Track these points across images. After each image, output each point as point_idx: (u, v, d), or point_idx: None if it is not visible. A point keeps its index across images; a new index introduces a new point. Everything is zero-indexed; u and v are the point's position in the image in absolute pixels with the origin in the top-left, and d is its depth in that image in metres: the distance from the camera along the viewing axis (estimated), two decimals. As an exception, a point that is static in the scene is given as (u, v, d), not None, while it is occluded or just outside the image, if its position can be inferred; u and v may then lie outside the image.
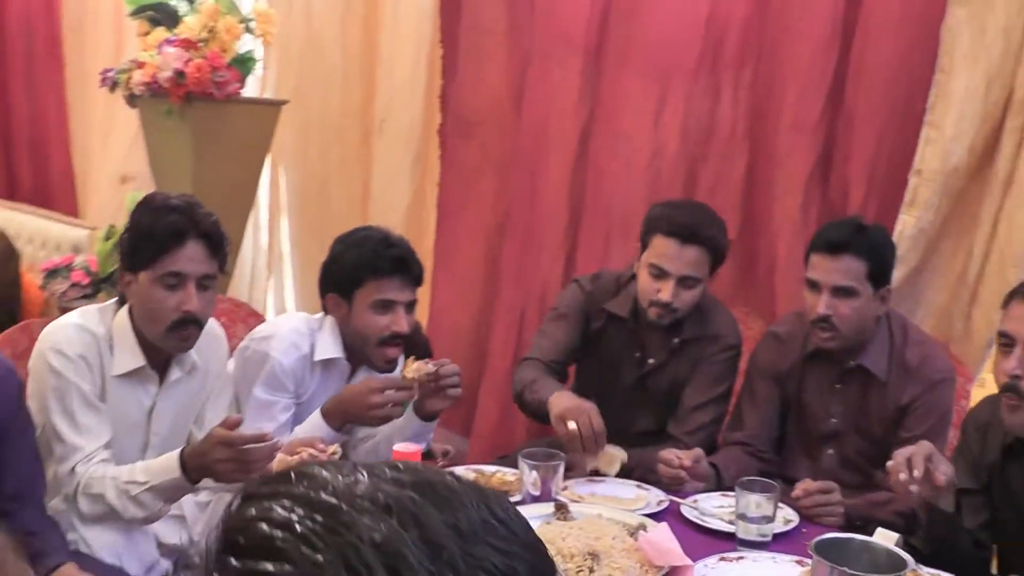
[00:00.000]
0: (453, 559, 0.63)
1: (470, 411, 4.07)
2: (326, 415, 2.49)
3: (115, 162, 5.36)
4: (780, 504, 2.36)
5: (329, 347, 2.60)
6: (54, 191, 5.76)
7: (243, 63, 4.17)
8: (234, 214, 4.39)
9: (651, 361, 2.90)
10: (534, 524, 2.04)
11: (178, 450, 2.21)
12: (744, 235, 3.60)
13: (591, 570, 1.96)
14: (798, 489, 2.39)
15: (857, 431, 2.71)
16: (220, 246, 2.34)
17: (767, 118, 3.57)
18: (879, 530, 1.96)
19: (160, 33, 4.11)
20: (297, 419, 2.59)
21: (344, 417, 2.49)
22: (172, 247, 2.25)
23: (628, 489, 2.50)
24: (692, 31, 3.61)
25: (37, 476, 2.21)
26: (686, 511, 2.34)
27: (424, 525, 0.64)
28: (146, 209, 2.33)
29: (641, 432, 2.91)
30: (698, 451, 2.55)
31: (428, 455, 3.04)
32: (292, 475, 0.67)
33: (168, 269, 2.25)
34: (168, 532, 2.47)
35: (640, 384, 2.92)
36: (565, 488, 2.46)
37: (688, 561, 2.00)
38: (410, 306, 2.58)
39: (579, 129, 3.85)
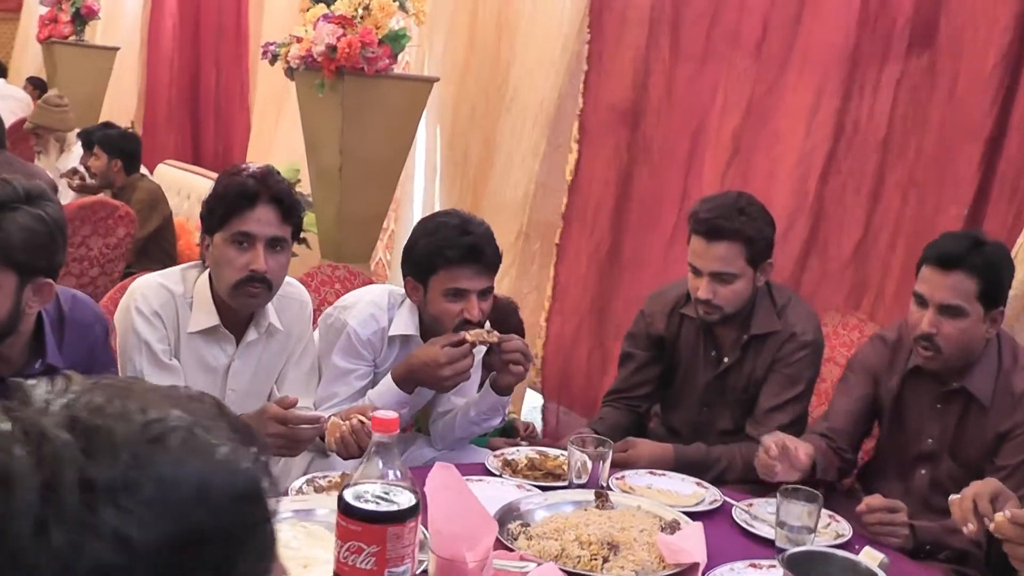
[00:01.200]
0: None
1: (593, 394, 4.06)
2: (397, 380, 2.54)
3: (287, 133, 5.61)
4: (837, 517, 2.25)
5: (405, 324, 2.65)
6: (234, 157, 6.09)
7: (395, 40, 4.26)
8: (381, 186, 4.53)
9: (725, 360, 2.84)
10: (569, 509, 2.09)
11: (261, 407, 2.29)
12: (896, 241, 3.42)
13: (605, 559, 1.93)
14: (863, 504, 2.26)
15: (952, 455, 2.54)
16: (292, 211, 2.42)
17: (929, 122, 3.35)
18: (866, 548, 1.83)
19: (319, 9, 4.26)
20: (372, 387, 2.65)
21: (415, 382, 2.54)
22: (244, 208, 2.35)
23: (687, 485, 2.43)
24: (853, 31, 3.46)
25: None
26: (736, 514, 2.25)
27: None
28: (225, 175, 2.46)
29: (720, 432, 2.85)
30: (808, 445, 2.44)
31: (509, 429, 3.06)
32: None
33: (238, 229, 2.35)
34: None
35: (717, 383, 2.86)
36: (622, 478, 2.43)
37: (697, 560, 1.93)
38: (484, 293, 2.58)
39: (733, 126, 3.77)
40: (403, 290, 2.70)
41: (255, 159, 5.95)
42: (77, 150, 5.45)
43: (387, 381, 2.56)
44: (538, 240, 4.55)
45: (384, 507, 1.50)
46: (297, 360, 2.63)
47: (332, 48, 4.10)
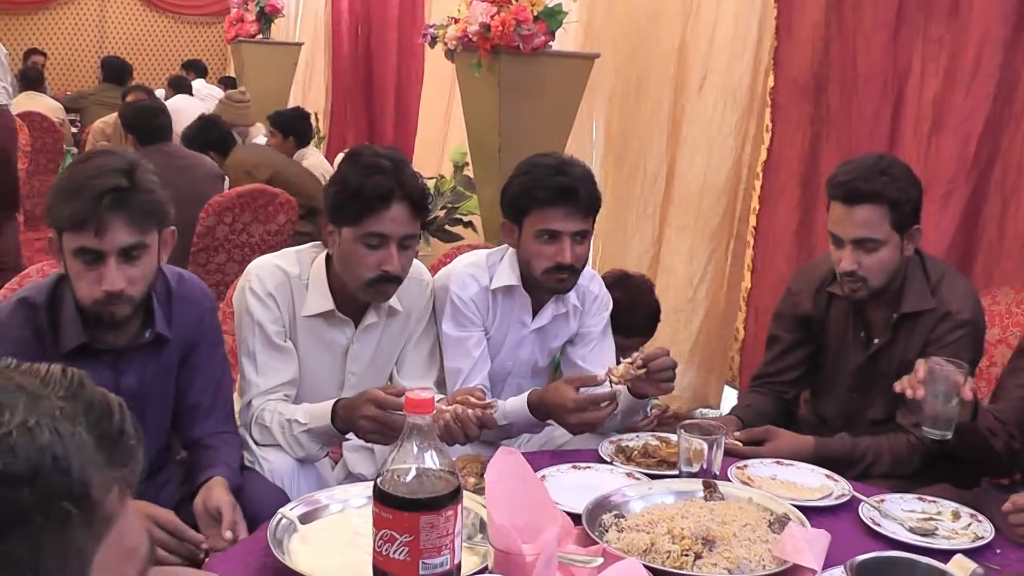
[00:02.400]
0: None
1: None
2: (532, 408, 2.43)
3: (459, 116, 5.62)
4: (979, 517, 2.02)
5: (506, 275, 2.58)
6: (410, 144, 6.16)
7: (551, 16, 4.17)
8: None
9: (876, 341, 2.59)
10: (673, 499, 1.94)
11: (334, 400, 2.28)
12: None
13: (697, 556, 1.77)
14: (1009, 502, 2.01)
15: None
16: (423, 207, 2.37)
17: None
18: (957, 556, 1.59)
19: (475, -11, 4.22)
20: (489, 351, 2.60)
21: (546, 416, 2.43)
22: (378, 209, 2.29)
23: (815, 476, 2.23)
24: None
25: (219, 392, 2.36)
26: (863, 510, 2.04)
27: None
28: (354, 166, 2.36)
29: (872, 421, 2.61)
30: None
31: None
32: None
33: (372, 229, 2.30)
34: (358, 462, 2.55)
35: (869, 367, 2.62)
36: (744, 467, 2.25)
37: (814, 566, 1.74)
38: (580, 235, 2.48)
39: (931, 94, 3.50)
40: (502, 247, 2.64)
41: (428, 144, 6.00)
42: (260, 143, 5.67)
43: (520, 401, 2.45)
44: (735, 221, 4.42)
45: (417, 494, 1.41)
46: (417, 342, 2.59)
47: (486, 27, 4.06)
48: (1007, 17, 3.18)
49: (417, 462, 1.43)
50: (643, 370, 2.32)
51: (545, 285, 2.54)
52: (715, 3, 4.36)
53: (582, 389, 2.35)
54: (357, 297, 2.42)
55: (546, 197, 2.44)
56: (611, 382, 2.34)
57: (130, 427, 0.79)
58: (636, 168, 4.66)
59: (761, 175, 4.25)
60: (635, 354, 2.36)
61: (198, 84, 8.69)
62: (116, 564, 0.72)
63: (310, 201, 4.78)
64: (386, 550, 1.43)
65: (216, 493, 2.09)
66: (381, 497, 1.43)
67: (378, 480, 1.44)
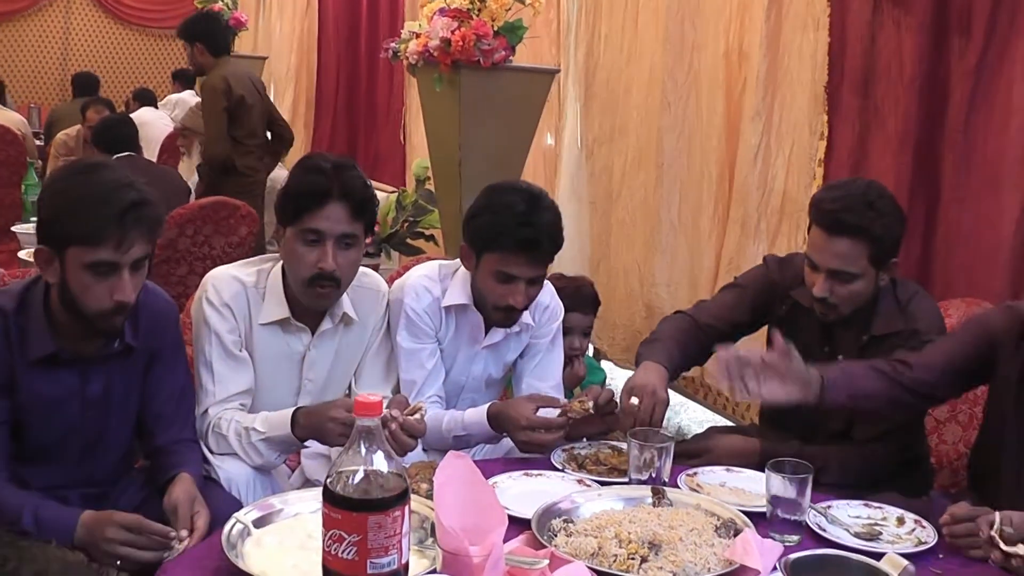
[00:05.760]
0: None
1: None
2: (490, 420, 2.48)
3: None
4: (923, 523, 2.07)
5: (457, 294, 2.61)
6: (382, 159, 6.19)
7: (511, 31, 4.21)
8: (502, 178, 4.48)
9: (840, 358, 2.57)
10: (622, 505, 1.98)
11: (292, 408, 2.32)
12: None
13: (643, 559, 1.81)
14: (947, 514, 2.05)
15: None
16: (363, 208, 2.40)
17: None
18: (889, 554, 1.64)
19: (438, 4, 4.25)
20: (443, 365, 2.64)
21: (502, 428, 2.48)
22: (314, 207, 2.34)
23: (762, 484, 2.28)
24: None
25: (182, 402, 2.38)
26: (811, 516, 2.08)
27: None
28: (299, 168, 2.47)
29: (831, 434, 2.60)
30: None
31: None
32: None
33: (308, 226, 2.35)
34: (316, 469, 2.57)
35: None
36: (694, 475, 2.30)
37: (758, 567, 1.78)
38: (534, 281, 2.52)
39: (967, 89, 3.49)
40: (454, 262, 2.67)
41: (408, 158, 6.04)
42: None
43: (480, 412, 2.51)
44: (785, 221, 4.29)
45: (365, 495, 1.44)
46: (375, 351, 2.62)
47: (447, 41, 4.09)
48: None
49: (365, 464, 1.46)
50: (590, 409, 2.40)
51: (492, 318, 2.59)
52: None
53: (541, 410, 2.40)
54: (305, 304, 2.46)
55: (509, 245, 2.45)
56: (565, 414, 2.41)
57: None
58: (701, 174, 4.66)
59: (820, 175, 4.14)
60: (584, 396, 2.44)
61: (187, 95, 8.63)
62: None
63: None
64: (335, 550, 1.45)
65: (185, 486, 2.13)
66: (330, 497, 1.46)
67: (327, 481, 1.47)
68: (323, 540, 1.48)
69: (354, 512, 1.43)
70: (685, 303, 4.59)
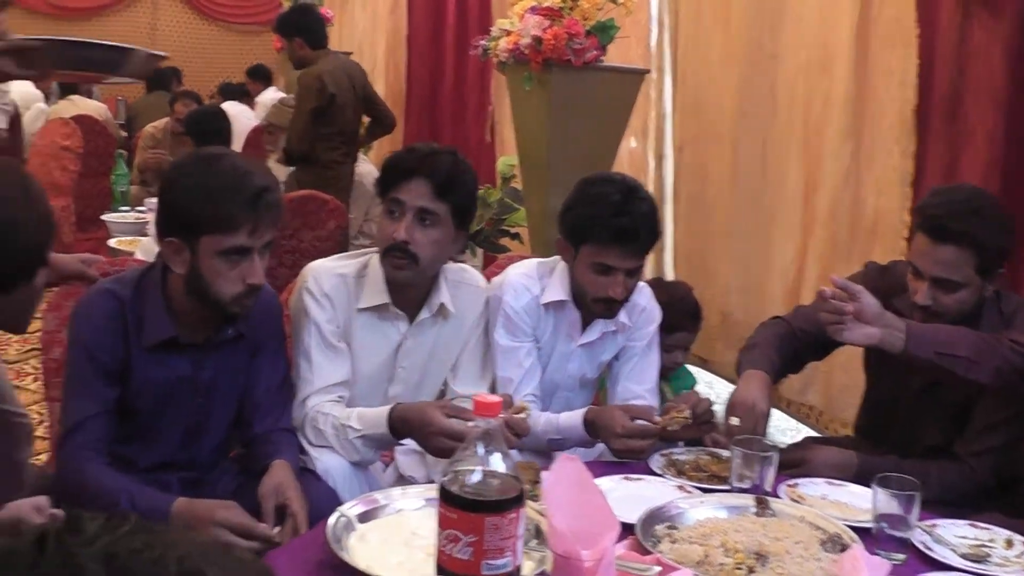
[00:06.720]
0: None
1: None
2: (586, 425, 2.46)
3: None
4: None
5: (556, 290, 2.60)
6: (469, 159, 6.21)
7: (603, 31, 4.19)
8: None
9: None
10: (726, 513, 1.95)
11: (389, 407, 2.33)
12: None
13: (750, 570, 1.78)
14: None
15: None
16: (448, 188, 2.42)
17: None
18: None
19: (528, 2, 4.25)
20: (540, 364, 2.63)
21: (596, 435, 2.46)
22: (399, 180, 2.42)
23: (866, 499, 2.23)
24: None
25: (280, 391, 2.42)
26: (916, 535, 2.03)
27: None
28: (398, 151, 2.56)
29: (928, 447, 2.53)
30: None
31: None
32: None
33: (391, 195, 2.43)
34: (410, 465, 2.57)
35: (930, 392, 2.54)
36: (795, 485, 2.25)
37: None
38: (633, 271, 2.49)
39: None
40: (553, 259, 2.66)
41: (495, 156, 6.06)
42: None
43: (576, 417, 2.49)
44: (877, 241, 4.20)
45: (482, 496, 1.43)
46: (472, 348, 2.62)
47: (538, 40, 4.08)
48: None
49: (483, 464, 1.45)
50: (689, 419, 2.37)
51: (592, 310, 2.58)
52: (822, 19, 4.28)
53: (636, 420, 2.38)
54: (408, 290, 2.49)
55: (605, 236, 2.44)
56: (663, 426, 2.37)
57: None
58: (779, 183, 4.62)
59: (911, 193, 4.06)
60: (682, 404, 2.40)
61: (269, 93, 8.71)
62: None
63: None
64: (450, 549, 1.44)
65: (283, 475, 2.17)
66: (447, 497, 1.45)
67: (444, 480, 1.46)
68: (437, 539, 1.47)
69: (471, 512, 1.42)
70: (756, 312, 4.57)
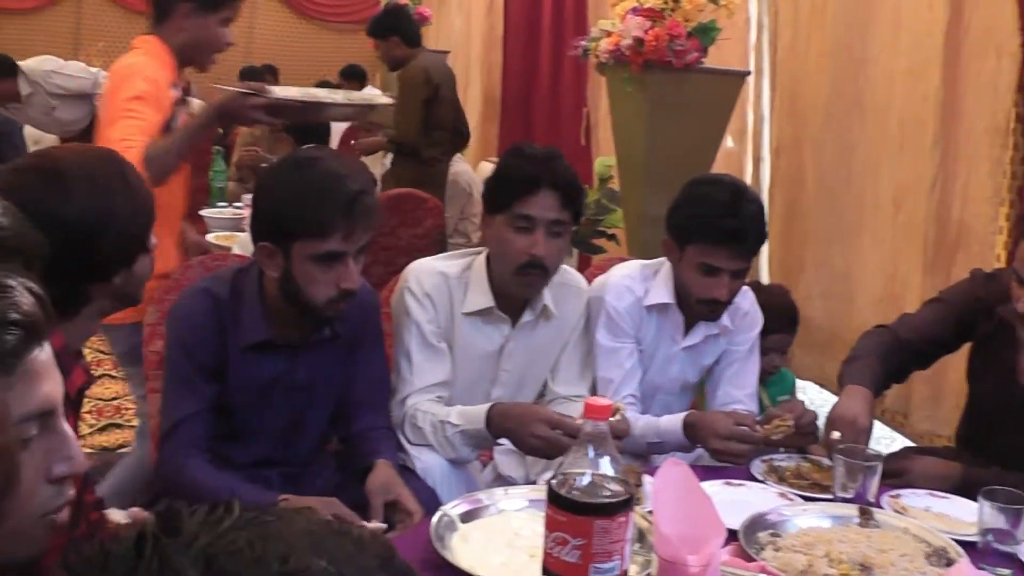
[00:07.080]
0: None
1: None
2: (686, 429, 2.44)
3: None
4: None
5: (660, 292, 2.60)
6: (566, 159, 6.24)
7: (704, 33, 4.16)
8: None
9: None
10: (827, 524, 1.93)
11: (489, 404, 2.34)
12: None
13: (855, 582, 1.77)
14: None
15: None
16: (574, 197, 2.42)
17: None
18: None
19: (630, 3, 4.24)
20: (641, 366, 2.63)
21: (696, 439, 2.44)
22: (524, 193, 2.38)
23: (970, 511, 2.19)
24: None
25: (378, 390, 2.45)
26: (1022, 550, 1.99)
27: None
28: (510, 156, 2.52)
29: None
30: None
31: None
32: None
33: (520, 211, 2.38)
34: (509, 465, 2.60)
35: None
36: (897, 496, 2.22)
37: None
38: (738, 274, 2.48)
39: None
40: (658, 260, 2.66)
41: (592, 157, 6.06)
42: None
43: (676, 421, 2.47)
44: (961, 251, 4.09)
45: (592, 498, 1.44)
46: (572, 348, 2.63)
47: (639, 41, 4.07)
48: None
49: (592, 467, 1.46)
50: (791, 427, 2.35)
51: (695, 312, 2.57)
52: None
53: (739, 426, 2.37)
54: (511, 292, 2.49)
55: (713, 237, 2.44)
56: (766, 434, 2.35)
57: None
58: (868, 188, 4.54)
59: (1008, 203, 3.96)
60: (786, 414, 2.38)
61: (366, 91, 8.82)
62: None
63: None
64: (557, 552, 1.46)
65: (390, 473, 2.20)
66: (555, 499, 1.46)
67: (552, 482, 1.47)
68: (545, 541, 1.49)
69: (580, 515, 1.44)
70: (840, 317, 4.48)
